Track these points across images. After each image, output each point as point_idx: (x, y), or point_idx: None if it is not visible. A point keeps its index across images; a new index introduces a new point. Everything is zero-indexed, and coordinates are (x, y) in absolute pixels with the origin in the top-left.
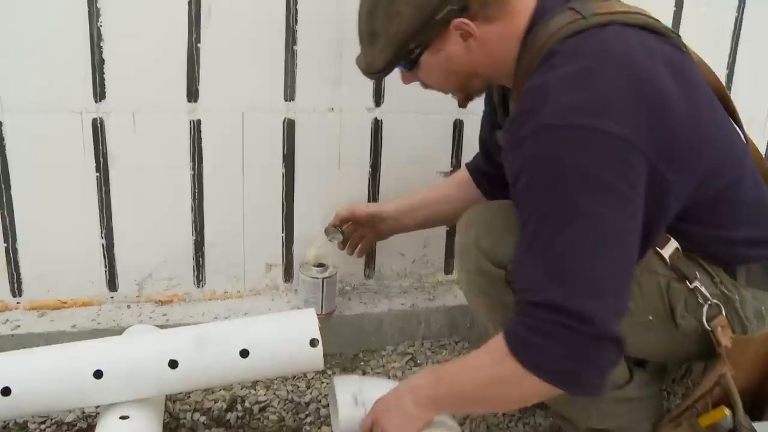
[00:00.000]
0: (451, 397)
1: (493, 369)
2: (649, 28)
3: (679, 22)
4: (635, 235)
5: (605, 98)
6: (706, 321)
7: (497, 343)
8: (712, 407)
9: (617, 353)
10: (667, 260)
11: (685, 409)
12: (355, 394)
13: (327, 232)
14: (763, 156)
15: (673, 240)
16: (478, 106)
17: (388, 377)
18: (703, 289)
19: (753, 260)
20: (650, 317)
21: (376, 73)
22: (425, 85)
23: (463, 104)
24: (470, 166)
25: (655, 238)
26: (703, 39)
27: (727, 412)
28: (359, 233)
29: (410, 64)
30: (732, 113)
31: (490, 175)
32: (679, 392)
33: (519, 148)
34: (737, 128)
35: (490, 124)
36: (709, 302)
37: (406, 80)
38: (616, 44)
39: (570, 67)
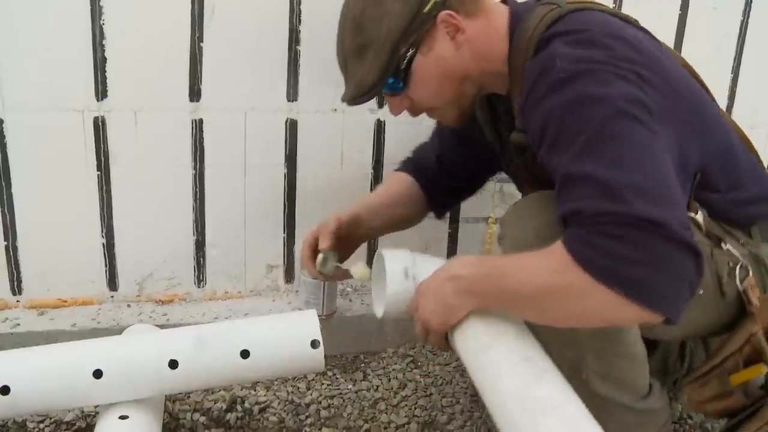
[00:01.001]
0: (500, 296)
1: (552, 277)
2: (615, 15)
3: (685, 24)
4: (671, 161)
5: (609, 51)
6: (739, 281)
7: (557, 250)
8: (743, 366)
9: (697, 266)
10: (702, 224)
11: (712, 368)
12: (406, 267)
13: (325, 262)
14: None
15: (701, 207)
16: None
17: (389, 379)
18: (734, 251)
19: (763, 217)
20: (701, 291)
21: (369, 89)
22: (415, 111)
23: (457, 122)
24: (418, 178)
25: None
26: (709, 42)
27: (765, 369)
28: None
29: (402, 76)
30: (707, 91)
31: (440, 186)
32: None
33: (541, 105)
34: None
35: (457, 138)
36: (741, 263)
37: (396, 107)
38: (599, 21)
39: (567, 38)
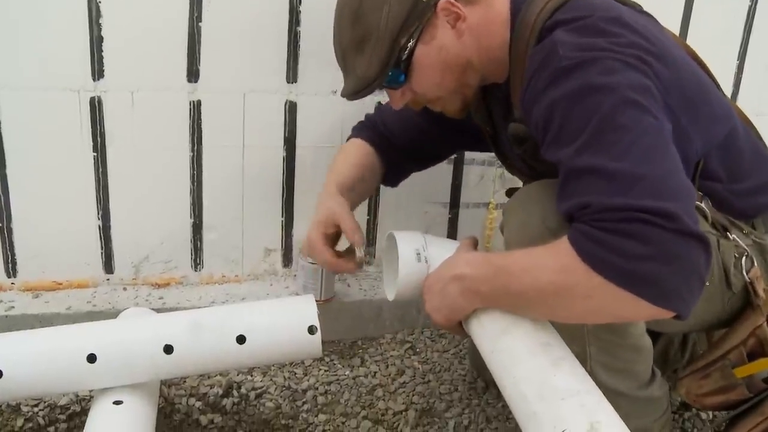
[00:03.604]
0: (507, 297)
1: (559, 277)
2: (622, 1)
3: (691, 9)
4: (677, 154)
5: (612, 38)
6: (745, 273)
7: (563, 247)
8: (747, 358)
9: (707, 258)
10: (708, 213)
11: (713, 360)
12: (417, 250)
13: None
14: None
15: (705, 197)
16: None
17: (387, 366)
18: (740, 241)
19: (766, 208)
20: (707, 283)
21: (370, 83)
22: (417, 103)
23: (460, 113)
24: (381, 151)
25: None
26: (715, 28)
27: None
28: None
29: (403, 68)
30: (711, 77)
31: (401, 161)
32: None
33: (544, 96)
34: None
35: (430, 115)
36: (746, 253)
37: (397, 100)
38: (602, 6)
39: (570, 25)
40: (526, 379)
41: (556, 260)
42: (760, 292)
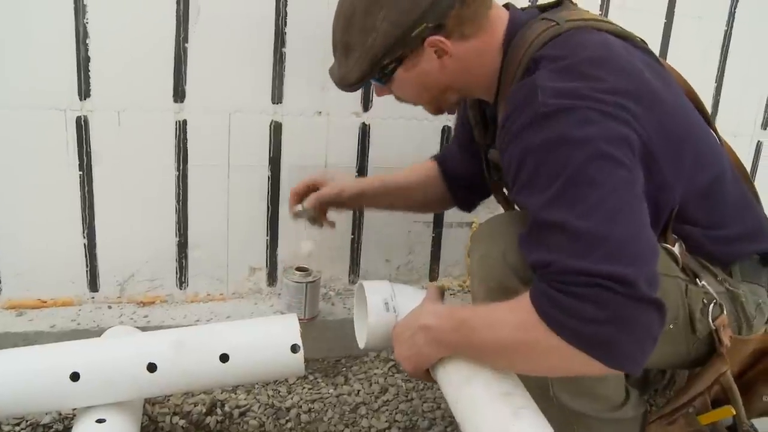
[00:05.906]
0: (469, 349)
1: (518, 334)
2: (619, 34)
3: (669, 33)
4: (646, 211)
5: (594, 83)
6: (712, 320)
7: (524, 305)
8: (711, 405)
9: (661, 322)
10: (679, 258)
11: (680, 406)
12: (386, 300)
13: (301, 214)
14: (748, 169)
15: (679, 240)
16: None
17: (370, 384)
18: (710, 288)
19: (745, 256)
20: (671, 326)
21: (350, 85)
22: (399, 99)
23: (435, 114)
24: (442, 169)
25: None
26: (693, 51)
27: (734, 411)
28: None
29: (384, 79)
30: (705, 118)
31: (462, 182)
32: (662, 404)
33: (518, 139)
34: (711, 131)
35: (464, 134)
36: (715, 301)
37: (379, 93)
38: (594, 43)
39: (554, 65)
40: (486, 429)
41: (517, 317)
42: (725, 340)
